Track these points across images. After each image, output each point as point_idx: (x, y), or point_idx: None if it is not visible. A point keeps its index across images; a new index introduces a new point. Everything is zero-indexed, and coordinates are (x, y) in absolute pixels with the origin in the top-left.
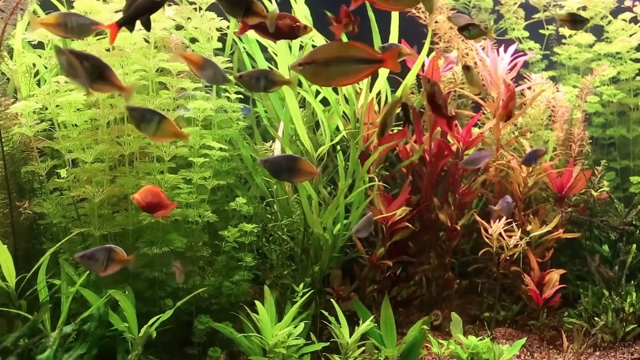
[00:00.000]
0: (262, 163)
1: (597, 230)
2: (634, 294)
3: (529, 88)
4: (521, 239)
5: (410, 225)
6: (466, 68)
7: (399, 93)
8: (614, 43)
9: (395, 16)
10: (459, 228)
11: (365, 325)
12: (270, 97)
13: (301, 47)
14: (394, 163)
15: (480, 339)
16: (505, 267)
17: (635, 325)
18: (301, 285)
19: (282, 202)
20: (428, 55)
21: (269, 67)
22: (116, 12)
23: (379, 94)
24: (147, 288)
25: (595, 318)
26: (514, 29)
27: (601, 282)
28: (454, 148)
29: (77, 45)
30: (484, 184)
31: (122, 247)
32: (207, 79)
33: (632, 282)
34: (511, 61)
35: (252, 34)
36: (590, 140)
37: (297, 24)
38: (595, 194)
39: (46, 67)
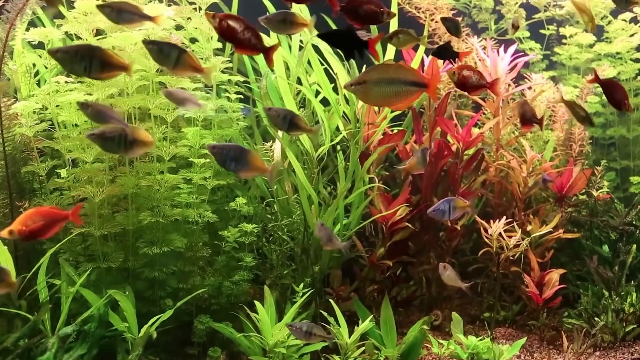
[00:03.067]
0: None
1: (597, 230)
2: (634, 294)
3: (529, 88)
4: (523, 239)
5: (410, 225)
6: None
7: None
8: (614, 43)
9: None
10: (459, 228)
11: (364, 325)
12: (270, 98)
13: (301, 48)
14: (394, 163)
15: (480, 339)
16: (505, 267)
17: (635, 326)
18: (301, 285)
19: (282, 202)
20: (427, 55)
21: None
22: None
23: None
24: (147, 288)
25: (595, 318)
26: None
27: (600, 283)
28: (454, 148)
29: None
30: (484, 184)
31: (122, 247)
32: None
33: (632, 282)
34: (511, 61)
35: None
36: (590, 140)
37: (382, 9)
38: (596, 194)
39: (46, 67)
